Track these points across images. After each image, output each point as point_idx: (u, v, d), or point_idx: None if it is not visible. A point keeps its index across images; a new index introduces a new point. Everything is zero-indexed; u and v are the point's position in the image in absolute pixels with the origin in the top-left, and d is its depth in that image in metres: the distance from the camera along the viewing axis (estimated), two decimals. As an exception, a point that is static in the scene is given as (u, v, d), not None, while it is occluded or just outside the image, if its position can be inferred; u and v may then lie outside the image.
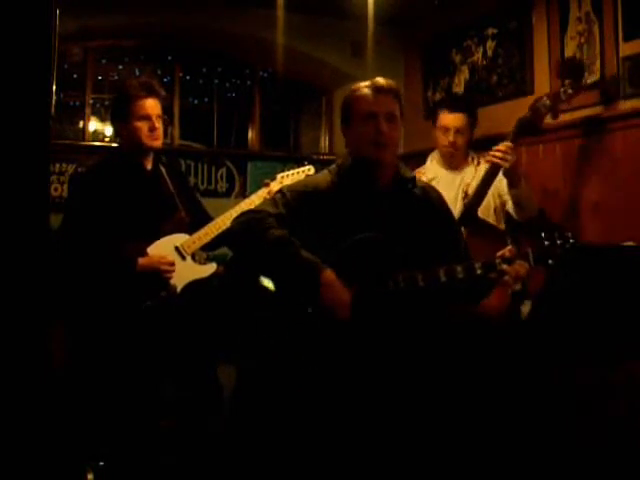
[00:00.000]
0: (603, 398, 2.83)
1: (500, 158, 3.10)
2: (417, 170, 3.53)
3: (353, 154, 2.35)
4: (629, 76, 3.27)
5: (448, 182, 3.42)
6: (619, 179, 3.33)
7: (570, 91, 3.21)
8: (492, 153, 3.13)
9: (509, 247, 2.22)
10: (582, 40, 3.52)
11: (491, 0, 4.15)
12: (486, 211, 3.30)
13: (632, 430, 2.73)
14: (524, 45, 3.92)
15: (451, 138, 3.39)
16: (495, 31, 4.16)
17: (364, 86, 2.32)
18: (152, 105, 2.92)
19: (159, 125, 2.94)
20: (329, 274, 2.16)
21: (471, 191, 3.31)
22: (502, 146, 3.12)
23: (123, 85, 3.04)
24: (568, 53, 3.60)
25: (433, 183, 3.40)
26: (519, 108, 3.83)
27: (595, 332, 2.84)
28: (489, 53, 4.20)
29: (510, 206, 3.29)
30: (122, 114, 2.91)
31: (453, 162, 3.48)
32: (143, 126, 2.89)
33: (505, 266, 2.20)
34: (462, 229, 3.12)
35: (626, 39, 3.30)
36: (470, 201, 3.25)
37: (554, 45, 3.68)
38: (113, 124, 3.01)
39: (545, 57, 3.75)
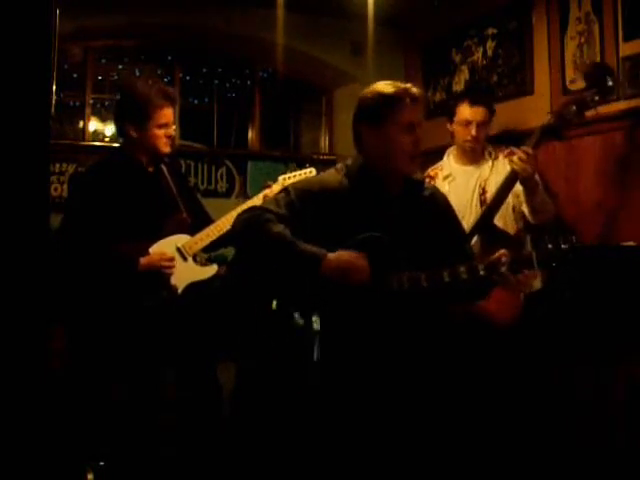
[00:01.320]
0: (603, 398, 2.83)
1: (520, 166, 3.00)
2: (433, 167, 3.50)
3: (371, 156, 2.31)
4: (629, 76, 3.27)
5: (465, 178, 3.37)
6: (619, 179, 3.34)
7: (597, 98, 3.07)
8: (513, 158, 3.03)
9: (503, 251, 2.20)
10: (582, 40, 3.52)
11: (491, 0, 4.16)
12: (504, 210, 3.23)
13: (631, 430, 2.73)
14: (524, 45, 3.91)
15: (473, 132, 3.29)
16: (495, 31, 4.15)
17: (401, 91, 2.26)
18: (171, 114, 2.95)
19: (174, 133, 3.00)
20: (331, 254, 2.17)
21: (488, 187, 3.26)
22: (523, 153, 3.00)
23: (137, 88, 2.97)
24: (568, 53, 3.59)
25: (449, 180, 3.38)
26: (519, 108, 3.85)
27: (595, 332, 2.84)
28: (489, 53, 4.20)
29: (526, 208, 3.20)
30: (139, 118, 2.89)
31: (472, 157, 3.40)
32: (162, 134, 2.91)
33: (506, 270, 2.19)
34: (476, 238, 3.10)
35: (626, 39, 3.29)
36: (488, 207, 3.18)
37: (554, 45, 3.68)
38: (123, 125, 2.93)
39: (545, 57, 3.75)
